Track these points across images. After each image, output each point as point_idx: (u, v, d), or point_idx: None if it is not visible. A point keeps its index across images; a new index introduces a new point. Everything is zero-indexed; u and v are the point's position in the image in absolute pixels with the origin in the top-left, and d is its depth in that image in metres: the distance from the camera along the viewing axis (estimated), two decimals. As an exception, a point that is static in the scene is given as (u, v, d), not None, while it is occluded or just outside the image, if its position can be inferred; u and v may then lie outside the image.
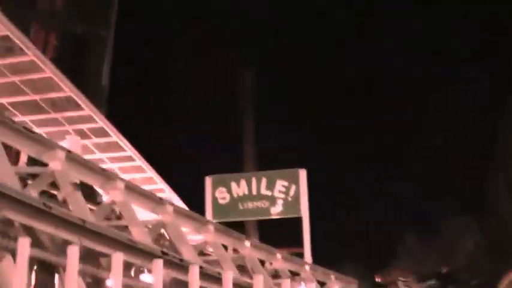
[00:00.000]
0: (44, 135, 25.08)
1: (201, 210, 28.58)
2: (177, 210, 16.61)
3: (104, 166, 25.95)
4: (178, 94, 42.64)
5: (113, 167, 26.55)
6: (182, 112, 42.08)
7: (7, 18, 20.04)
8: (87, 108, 24.19)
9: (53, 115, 24.27)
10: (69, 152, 13.67)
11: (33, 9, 36.14)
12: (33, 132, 13.08)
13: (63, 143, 25.16)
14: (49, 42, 35.79)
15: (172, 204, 16.62)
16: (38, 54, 21.89)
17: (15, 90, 22.90)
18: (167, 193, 27.90)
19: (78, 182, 13.67)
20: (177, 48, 44.34)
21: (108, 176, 14.67)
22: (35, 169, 13.97)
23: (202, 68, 42.90)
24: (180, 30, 43.61)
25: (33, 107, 23.86)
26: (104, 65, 36.75)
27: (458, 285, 37.59)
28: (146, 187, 26.64)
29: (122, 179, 15.02)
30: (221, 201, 31.40)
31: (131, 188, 15.19)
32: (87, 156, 25.59)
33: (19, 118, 24.28)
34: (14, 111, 23.93)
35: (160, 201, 16.23)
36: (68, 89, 23.21)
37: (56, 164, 13.12)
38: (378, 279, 31.90)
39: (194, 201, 29.54)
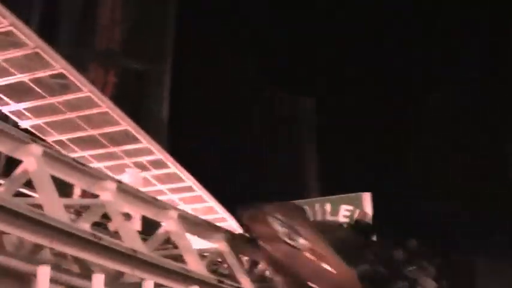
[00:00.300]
0: (103, 169, 25.43)
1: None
2: (234, 238, 16.37)
3: (164, 197, 26.17)
4: (237, 122, 42.72)
5: (174, 198, 26.59)
6: (242, 140, 42.06)
7: (60, 56, 20.37)
8: (145, 141, 24.31)
9: (111, 149, 24.49)
10: (119, 182, 13.65)
11: (92, 48, 37.01)
12: (83, 165, 13.10)
13: (123, 177, 25.48)
14: (108, 80, 36.53)
15: (228, 231, 16.40)
16: (93, 90, 22.15)
17: (73, 127, 23.23)
18: (229, 222, 27.71)
19: (129, 212, 13.60)
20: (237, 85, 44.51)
21: (161, 206, 14.58)
22: (86, 201, 14.01)
23: (261, 99, 42.93)
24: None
25: (91, 142, 24.15)
26: (163, 98, 37.17)
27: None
28: (207, 217, 26.59)
29: (175, 208, 14.92)
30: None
31: (185, 217, 15.05)
32: (147, 189, 25.78)
33: (78, 153, 24.60)
34: (73, 146, 24.26)
35: (216, 229, 16.04)
36: (124, 123, 23.39)
37: (106, 195, 13.10)
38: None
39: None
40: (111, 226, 13.67)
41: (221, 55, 42.24)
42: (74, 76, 21.25)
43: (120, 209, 13.20)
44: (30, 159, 11.64)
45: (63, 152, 24.00)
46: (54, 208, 11.24)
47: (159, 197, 25.30)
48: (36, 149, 11.82)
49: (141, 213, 14.66)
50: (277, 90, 42.00)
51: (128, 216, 13.30)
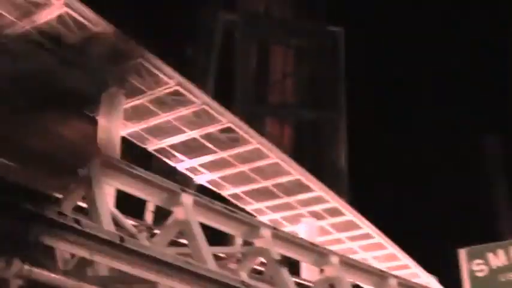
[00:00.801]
0: (279, 220, 25.51)
1: (457, 285, 26.70)
2: (403, 284, 15.45)
3: (342, 246, 25.65)
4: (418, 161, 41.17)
5: (352, 246, 25.97)
6: (424, 182, 40.41)
7: (225, 109, 20.82)
8: (318, 189, 24.08)
9: (286, 199, 24.51)
10: (274, 229, 13.43)
11: (266, 103, 37.80)
12: (236, 212, 13.04)
13: (299, 226, 25.38)
14: (285, 132, 36.98)
15: (396, 277, 15.52)
16: (262, 141, 22.39)
17: (246, 179, 23.58)
18: (413, 269, 26.50)
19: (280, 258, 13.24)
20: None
21: (320, 252, 14.11)
22: (236, 249, 13.93)
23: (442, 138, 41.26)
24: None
25: (265, 194, 24.33)
26: (339, 148, 36.84)
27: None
28: (388, 264, 25.65)
29: (336, 254, 14.35)
30: (479, 274, 29.08)
31: (347, 263, 14.44)
32: (324, 238, 25.44)
33: (254, 206, 24.91)
34: (248, 199, 24.60)
35: (382, 275, 15.23)
36: (296, 172, 23.37)
37: (261, 242, 12.93)
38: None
39: (447, 274, 27.70)
40: (266, 273, 13.42)
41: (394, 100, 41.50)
42: (241, 129, 21.65)
43: (275, 256, 12.93)
44: (180, 209, 11.80)
45: (240, 204, 24.56)
46: (202, 256, 11.24)
47: (337, 246, 25.02)
48: (187, 198, 11.96)
49: (299, 259, 14.32)
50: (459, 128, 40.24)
51: (280, 263, 12.96)
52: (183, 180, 24.02)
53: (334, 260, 14.09)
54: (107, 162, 10.90)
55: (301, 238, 15.10)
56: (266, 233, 13.09)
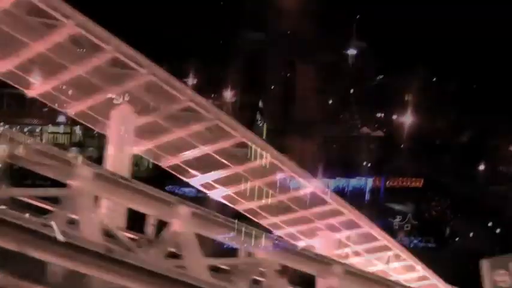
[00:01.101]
0: (295, 233, 25.43)
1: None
2: (409, 293, 15.40)
3: (360, 259, 25.49)
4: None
5: (370, 258, 25.73)
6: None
7: (238, 124, 20.90)
8: (334, 202, 23.95)
9: (301, 213, 24.41)
10: (276, 239, 13.55)
11: (293, 120, 38.11)
12: (236, 223, 13.16)
13: (315, 240, 25.27)
14: (311, 148, 37.10)
15: (403, 286, 15.47)
16: (276, 155, 22.34)
17: (260, 193, 23.56)
18: (432, 280, 26.15)
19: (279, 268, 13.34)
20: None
21: (323, 262, 14.16)
22: (236, 260, 14.05)
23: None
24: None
25: (280, 208, 24.27)
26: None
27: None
28: (407, 276, 25.43)
29: (339, 263, 14.41)
30: (502, 285, 28.73)
31: (351, 272, 14.47)
32: (341, 250, 25.30)
33: (269, 220, 24.86)
34: (263, 214, 24.58)
35: (388, 284, 15.21)
36: (312, 186, 23.27)
37: (261, 252, 13.04)
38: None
39: (468, 285, 27.33)
40: (265, 284, 13.50)
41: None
42: (255, 143, 21.70)
43: (275, 266, 13.02)
44: (177, 221, 11.96)
45: (256, 219, 24.57)
46: (196, 268, 11.38)
47: (356, 258, 24.89)
48: (184, 210, 12.13)
49: (302, 269, 14.36)
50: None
51: (279, 273, 13.07)
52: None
53: (338, 269, 14.13)
54: (100, 176, 11.12)
55: (303, 248, 15.18)
56: (267, 243, 13.21)
